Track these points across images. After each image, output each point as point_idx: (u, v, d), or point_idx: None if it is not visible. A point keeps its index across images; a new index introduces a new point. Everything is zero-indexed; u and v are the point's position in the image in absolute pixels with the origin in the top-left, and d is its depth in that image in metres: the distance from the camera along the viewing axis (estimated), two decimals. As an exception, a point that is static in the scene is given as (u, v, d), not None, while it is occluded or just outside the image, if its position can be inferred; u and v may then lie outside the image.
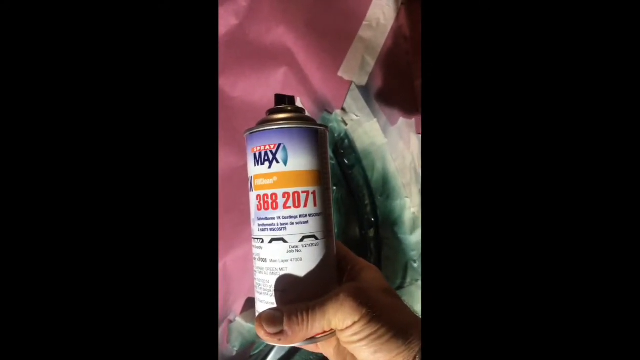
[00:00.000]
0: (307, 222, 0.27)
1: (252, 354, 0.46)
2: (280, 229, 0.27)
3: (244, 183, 0.49)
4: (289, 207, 0.27)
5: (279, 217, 0.27)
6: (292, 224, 0.27)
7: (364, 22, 0.49)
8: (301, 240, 0.27)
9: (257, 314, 0.29)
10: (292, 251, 0.27)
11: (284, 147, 0.27)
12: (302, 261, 0.27)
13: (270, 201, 0.27)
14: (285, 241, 0.27)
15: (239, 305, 0.46)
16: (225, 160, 0.47)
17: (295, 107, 0.30)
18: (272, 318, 0.26)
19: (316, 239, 0.27)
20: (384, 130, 0.48)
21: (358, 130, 0.48)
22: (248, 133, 0.29)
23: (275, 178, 0.27)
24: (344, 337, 0.25)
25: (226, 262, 0.46)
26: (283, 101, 0.30)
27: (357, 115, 0.48)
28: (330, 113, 0.48)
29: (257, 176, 0.28)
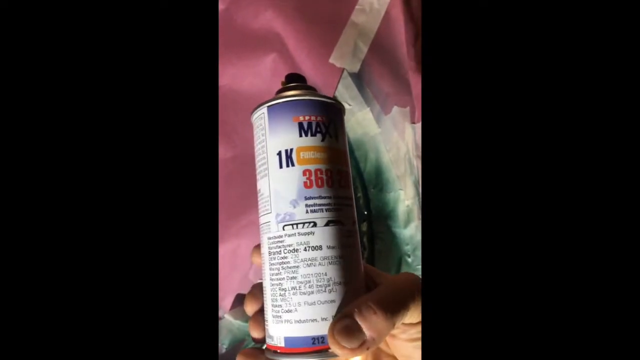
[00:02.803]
0: (351, 205, 0.25)
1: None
2: (338, 210, 0.23)
3: (232, 175, 0.47)
4: (343, 187, 0.24)
5: (336, 197, 0.24)
6: (346, 205, 0.24)
7: (357, 6, 0.47)
8: (353, 224, 0.25)
9: (296, 328, 0.23)
10: (348, 236, 0.24)
11: (334, 123, 0.25)
12: (354, 248, 0.24)
13: (325, 177, 0.24)
14: (342, 224, 0.24)
15: (228, 301, 0.45)
16: (212, 151, 0.46)
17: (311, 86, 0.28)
18: (349, 330, 0.21)
19: (355, 224, 0.25)
20: (377, 120, 0.46)
21: (350, 120, 0.46)
22: (291, 98, 0.25)
23: (329, 152, 0.24)
24: (410, 333, 0.23)
25: (214, 258, 0.45)
26: (298, 79, 0.27)
27: (349, 104, 0.46)
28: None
29: (305, 148, 0.24)
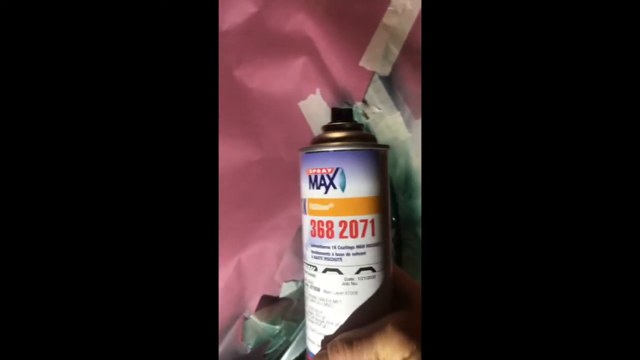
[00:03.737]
0: (364, 253, 0.25)
1: (266, 352, 0.45)
2: (336, 259, 0.25)
3: (259, 177, 0.47)
4: (346, 237, 0.25)
5: (334, 247, 0.25)
6: (348, 254, 0.25)
7: (389, 8, 0.46)
8: (357, 272, 0.25)
9: (308, 342, 0.28)
10: (347, 284, 0.25)
11: (342, 172, 0.25)
12: (358, 295, 0.25)
13: (325, 229, 0.25)
14: (340, 272, 0.25)
15: (254, 302, 0.45)
16: (241, 153, 0.46)
17: (354, 123, 0.27)
18: None
19: (373, 271, 0.25)
20: (408, 124, 0.45)
21: (380, 124, 0.45)
22: (303, 153, 0.27)
23: (331, 205, 0.25)
24: None
25: (241, 259, 0.45)
26: (340, 116, 0.27)
27: (379, 108, 0.45)
28: (351, 105, 0.46)
29: (312, 200, 0.26)
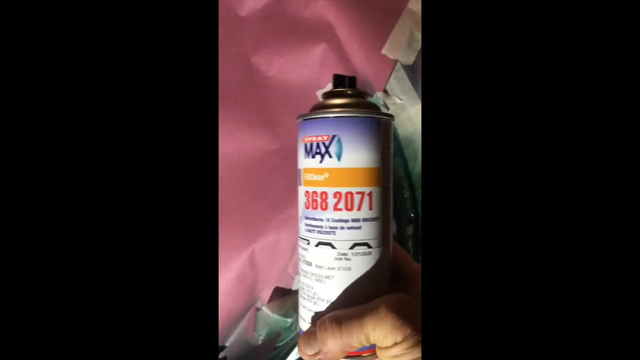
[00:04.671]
0: (359, 227, 0.24)
1: (277, 345, 0.44)
2: (329, 233, 0.24)
3: (276, 168, 0.47)
4: (340, 209, 0.24)
5: (328, 220, 0.24)
6: (342, 228, 0.24)
7: (415, -7, 0.44)
8: (351, 247, 0.24)
9: (299, 320, 0.27)
10: (340, 259, 0.24)
11: (339, 140, 0.23)
12: (351, 271, 0.24)
13: (319, 200, 0.24)
14: (333, 247, 0.24)
15: (266, 293, 0.45)
16: (257, 142, 0.45)
17: (356, 90, 0.26)
18: (308, 338, 0.24)
19: (369, 247, 0.24)
20: (431, 116, 0.43)
21: (401, 116, 0.43)
22: (301, 120, 0.25)
23: (326, 174, 0.24)
24: (384, 356, 0.23)
25: (254, 250, 0.45)
26: (342, 83, 0.26)
27: (400, 99, 0.43)
28: (371, 95, 0.44)
29: (307, 170, 0.25)
